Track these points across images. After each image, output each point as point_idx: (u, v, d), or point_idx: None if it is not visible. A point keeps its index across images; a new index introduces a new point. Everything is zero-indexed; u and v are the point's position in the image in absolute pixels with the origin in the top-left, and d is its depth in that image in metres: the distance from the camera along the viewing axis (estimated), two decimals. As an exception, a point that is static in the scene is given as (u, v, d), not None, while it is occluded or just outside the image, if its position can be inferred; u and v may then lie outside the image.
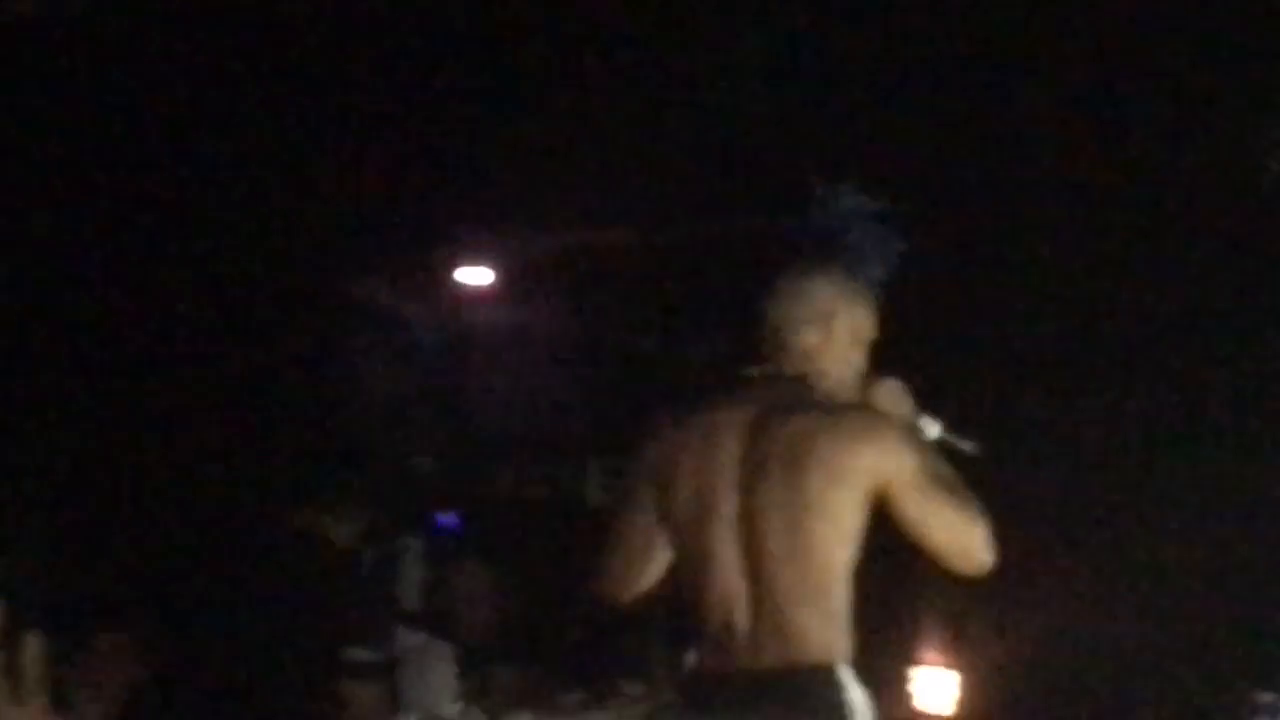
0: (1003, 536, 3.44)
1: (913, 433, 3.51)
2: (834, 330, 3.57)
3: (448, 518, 8.72)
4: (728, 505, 3.47)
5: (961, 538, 3.41)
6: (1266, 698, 6.40)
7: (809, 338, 3.56)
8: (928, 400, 3.66)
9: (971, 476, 3.42)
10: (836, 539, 3.41)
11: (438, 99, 8.49)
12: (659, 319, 9.23)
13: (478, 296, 9.08)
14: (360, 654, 6.46)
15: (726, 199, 8.84)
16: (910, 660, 8.11)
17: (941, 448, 3.63)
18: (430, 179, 8.77)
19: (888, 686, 8.15)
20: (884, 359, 3.65)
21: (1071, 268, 8.04)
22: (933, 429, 3.62)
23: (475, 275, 9.03)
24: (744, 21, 8.09)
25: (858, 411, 3.49)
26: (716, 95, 8.43)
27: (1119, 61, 7.60)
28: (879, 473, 3.37)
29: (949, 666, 8.09)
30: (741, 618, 3.47)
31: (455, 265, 9.00)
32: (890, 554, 3.50)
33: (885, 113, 7.90)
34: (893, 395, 3.60)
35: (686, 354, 9.24)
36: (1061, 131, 7.83)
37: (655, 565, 3.62)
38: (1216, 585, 7.60)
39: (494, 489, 9.20)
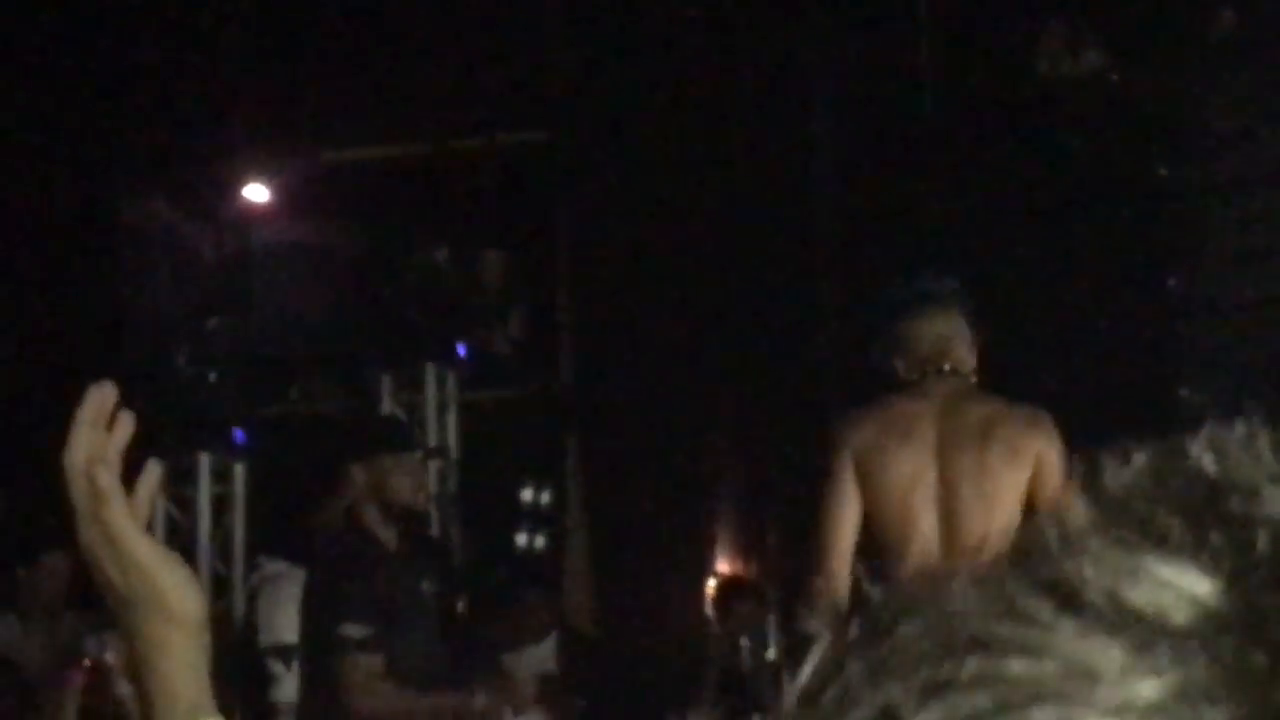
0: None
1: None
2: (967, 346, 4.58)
3: (236, 433, 8.62)
4: (930, 474, 4.40)
5: None
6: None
7: (959, 352, 4.53)
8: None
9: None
10: (1012, 502, 4.31)
11: (211, 19, 8.37)
12: (448, 231, 9.16)
13: (259, 213, 8.96)
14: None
15: (506, 112, 8.80)
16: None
17: None
18: (207, 98, 8.63)
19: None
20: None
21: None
22: None
23: (254, 192, 8.92)
24: None
25: (1023, 406, 4.51)
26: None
27: None
28: (1042, 456, 4.30)
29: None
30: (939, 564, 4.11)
31: (234, 183, 8.87)
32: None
33: None
34: None
35: (476, 266, 9.20)
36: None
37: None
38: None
39: (283, 405, 9.09)
